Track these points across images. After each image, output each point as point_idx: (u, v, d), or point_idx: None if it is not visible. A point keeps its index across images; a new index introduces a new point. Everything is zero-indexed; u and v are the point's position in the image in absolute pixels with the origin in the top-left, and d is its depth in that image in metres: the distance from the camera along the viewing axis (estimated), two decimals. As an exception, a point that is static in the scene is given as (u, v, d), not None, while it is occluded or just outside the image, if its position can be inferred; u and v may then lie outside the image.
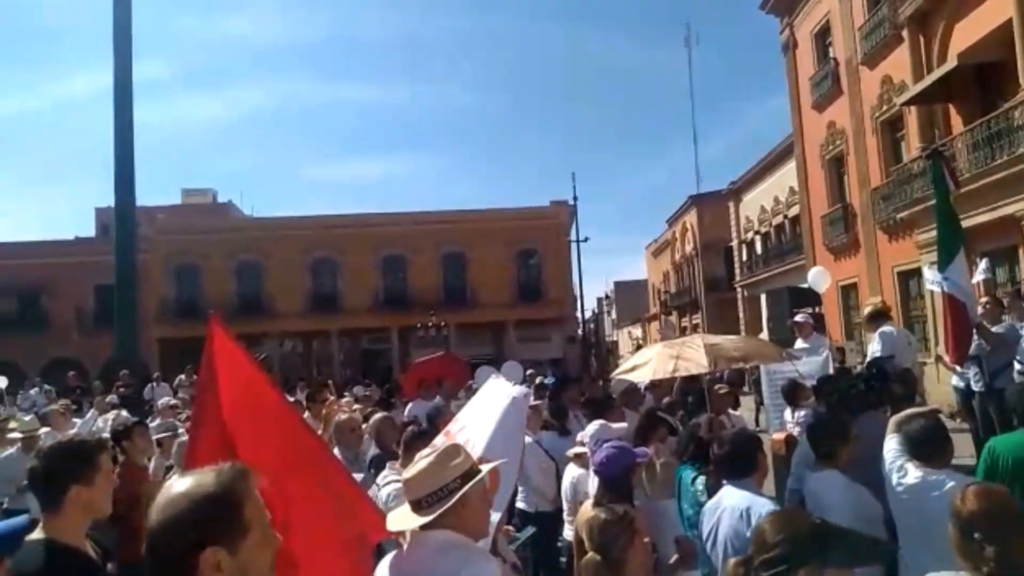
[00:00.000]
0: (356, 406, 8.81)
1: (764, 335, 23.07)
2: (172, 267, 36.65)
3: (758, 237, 33.46)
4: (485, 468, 2.29)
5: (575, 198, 36.62)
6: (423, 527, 2.22)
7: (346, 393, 12.58)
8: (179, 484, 1.47)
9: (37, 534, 2.48)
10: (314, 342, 39.97)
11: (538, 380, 13.17)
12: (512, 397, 3.15)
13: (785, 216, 29.76)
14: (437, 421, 5.61)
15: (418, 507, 2.22)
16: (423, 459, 2.32)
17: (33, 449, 6.99)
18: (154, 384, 17.14)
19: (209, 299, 36.42)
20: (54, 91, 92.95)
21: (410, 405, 10.53)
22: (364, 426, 6.14)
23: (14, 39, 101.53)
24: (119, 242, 18.63)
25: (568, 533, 5.22)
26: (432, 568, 2.10)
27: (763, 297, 30.36)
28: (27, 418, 8.14)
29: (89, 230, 43.55)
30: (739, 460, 3.66)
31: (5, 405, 15.87)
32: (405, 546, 2.32)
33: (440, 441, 3.30)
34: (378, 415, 6.36)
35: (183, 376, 17.99)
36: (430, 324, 33.42)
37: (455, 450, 2.32)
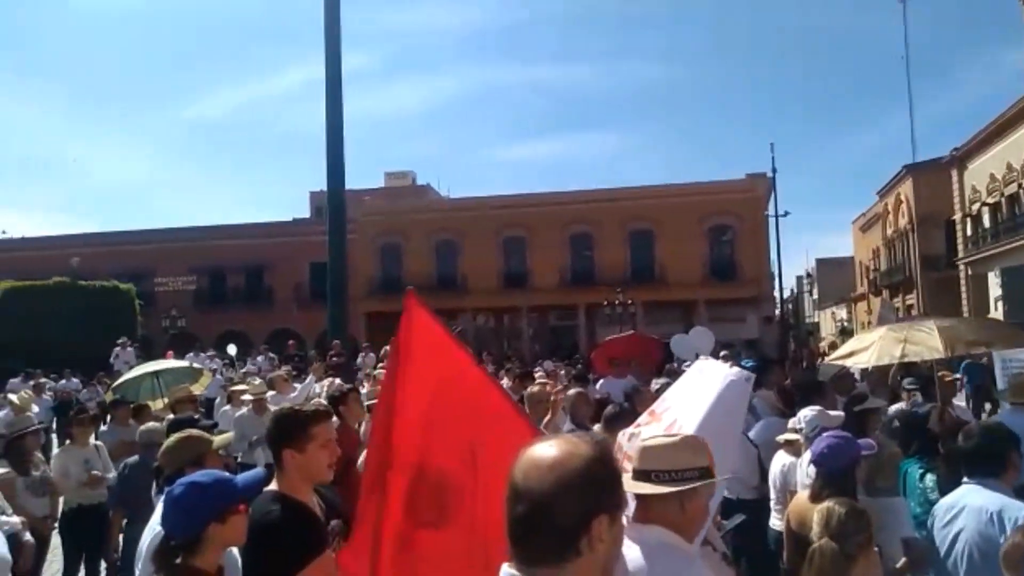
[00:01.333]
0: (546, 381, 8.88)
1: (997, 317, 20.61)
2: (377, 246, 39.14)
3: (986, 209, 29.90)
4: (719, 476, 2.18)
5: (774, 170, 34.51)
6: (638, 517, 2.11)
7: (537, 368, 12.84)
8: (561, 446, 1.40)
9: (272, 485, 2.74)
10: (505, 318, 41.16)
11: (731, 362, 12.62)
12: (729, 380, 2.86)
13: (1020, 185, 26.31)
14: (635, 400, 5.49)
15: (644, 477, 2.11)
16: (663, 438, 2.24)
17: (262, 410, 7.79)
18: (363, 354, 18.43)
19: (410, 276, 38.64)
20: (270, 85, 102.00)
21: (601, 382, 10.54)
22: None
23: (235, 37, 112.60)
24: (331, 224, 20.15)
25: (776, 523, 4.90)
26: (648, 568, 1.97)
27: (991, 275, 27.11)
28: (256, 382, 9.02)
29: (304, 212, 47.61)
30: (989, 457, 3.24)
31: (236, 369, 17.78)
32: None
33: (644, 420, 3.18)
34: (573, 390, 6.38)
35: (388, 347, 19.15)
36: (616, 302, 33.19)
37: (699, 444, 2.20)
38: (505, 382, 8.92)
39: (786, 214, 34.62)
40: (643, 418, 3.18)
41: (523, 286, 38.03)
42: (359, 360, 17.74)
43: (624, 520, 2.18)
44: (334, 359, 15.25)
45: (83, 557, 6.53)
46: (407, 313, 2.98)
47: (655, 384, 6.58)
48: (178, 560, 2.26)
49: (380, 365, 15.29)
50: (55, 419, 14.87)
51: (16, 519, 5.04)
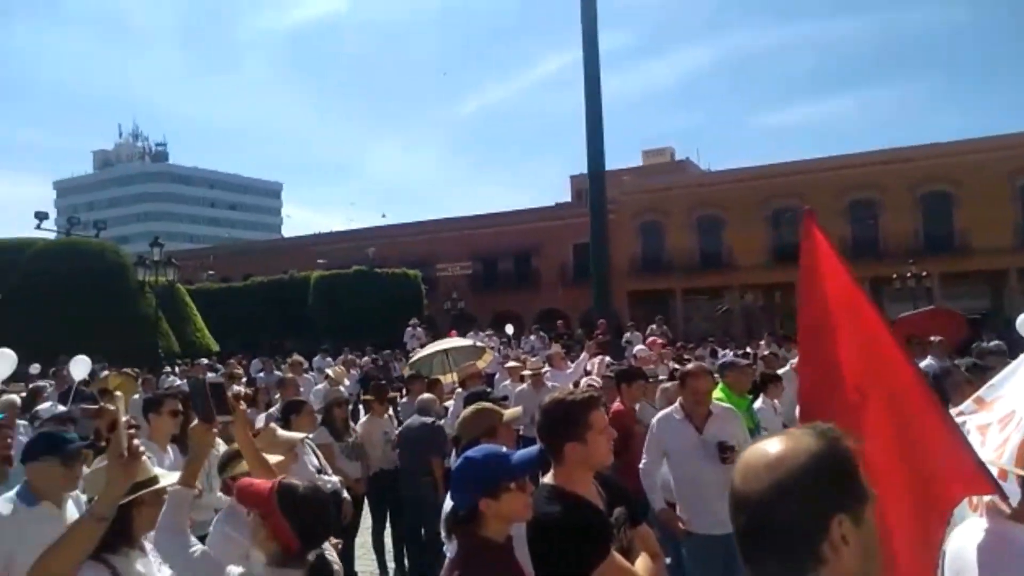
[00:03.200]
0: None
1: None
2: (638, 225, 39.03)
3: None
4: None
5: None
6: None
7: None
8: (782, 443, 1.25)
9: (547, 478, 2.71)
10: (776, 295, 38.94)
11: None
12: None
13: None
14: (945, 384, 4.84)
15: None
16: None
17: (540, 386, 8.13)
18: (628, 332, 18.51)
19: (672, 254, 38.11)
20: (530, 76, 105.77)
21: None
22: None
23: (495, 35, 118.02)
24: (593, 206, 20.47)
25: None
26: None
27: None
28: (533, 358, 9.43)
29: (566, 195, 48.92)
30: None
31: (512, 347, 18.74)
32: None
33: (968, 408, 2.75)
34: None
35: (653, 326, 19.08)
36: (908, 274, 29.85)
37: None
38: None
39: None
40: (967, 405, 2.75)
41: (796, 260, 35.47)
42: (625, 338, 17.85)
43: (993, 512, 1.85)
44: (599, 337, 15.45)
45: (387, 514, 7.28)
46: (808, 239, 2.75)
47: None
48: (467, 528, 2.32)
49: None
50: (360, 392, 16.81)
51: (335, 479, 5.73)
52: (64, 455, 3.09)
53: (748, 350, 15.35)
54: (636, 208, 38.65)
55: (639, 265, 38.12)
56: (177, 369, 18.25)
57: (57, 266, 24.91)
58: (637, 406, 6.19)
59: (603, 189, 20.42)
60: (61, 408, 7.08)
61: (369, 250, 37.22)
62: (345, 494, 5.86)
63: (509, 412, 3.63)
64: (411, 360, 11.29)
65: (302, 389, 9.71)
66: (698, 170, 48.08)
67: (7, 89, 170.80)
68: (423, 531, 6.64)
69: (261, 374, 15.05)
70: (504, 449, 2.50)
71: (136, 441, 2.17)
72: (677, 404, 4.93)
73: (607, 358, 9.11)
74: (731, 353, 13.08)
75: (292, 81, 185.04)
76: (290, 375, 10.18)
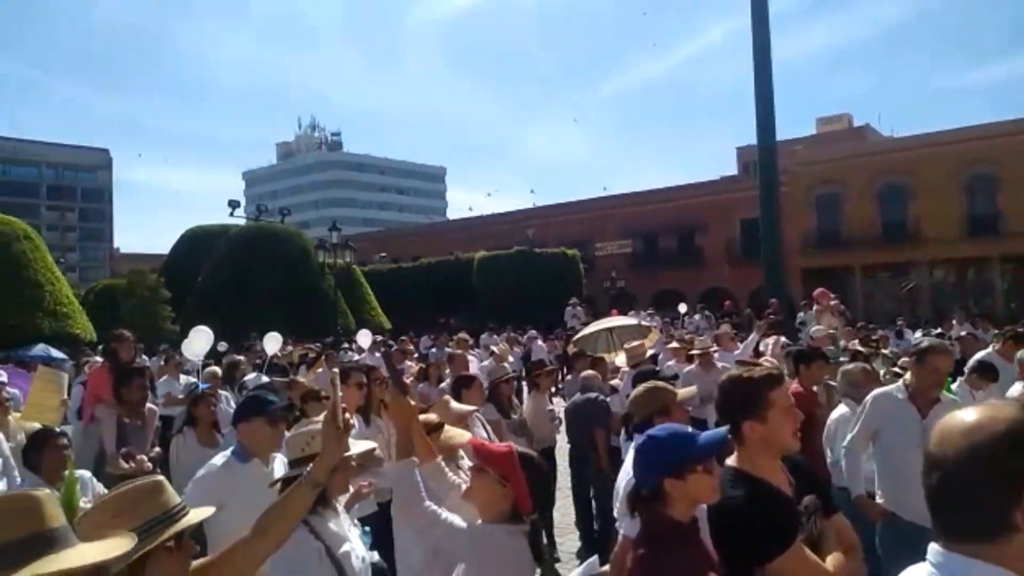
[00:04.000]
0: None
1: None
2: (812, 197, 36.82)
3: None
4: None
5: None
6: None
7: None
8: (982, 411, 1.27)
9: (730, 461, 2.58)
10: (969, 270, 35.47)
11: None
12: None
13: None
14: None
15: None
16: None
17: (709, 366, 7.88)
18: (802, 312, 17.53)
19: (851, 228, 35.65)
20: (691, 47, 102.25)
21: None
22: None
23: (653, 7, 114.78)
24: (763, 179, 19.50)
25: None
26: None
27: None
28: (701, 337, 9.15)
29: (731, 169, 47.05)
30: None
31: (676, 327, 18.34)
32: None
33: None
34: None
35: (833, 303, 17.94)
36: None
37: None
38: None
39: None
40: None
41: (994, 232, 32.17)
42: (799, 318, 16.91)
43: None
44: (771, 317, 14.72)
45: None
46: None
47: None
48: (651, 507, 2.28)
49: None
50: (522, 369, 17.12)
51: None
52: (269, 415, 3.40)
53: (940, 331, 14.08)
54: (810, 180, 36.44)
55: (813, 241, 35.99)
56: (354, 346, 19.41)
57: (249, 249, 27.24)
58: (816, 388, 5.85)
59: (774, 161, 19.41)
60: (265, 378, 7.69)
61: (529, 231, 37.70)
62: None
63: (683, 391, 3.52)
64: (575, 338, 11.31)
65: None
66: (879, 137, 44.57)
67: (199, 89, 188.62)
68: (592, 504, 6.78)
69: (432, 350, 15.65)
70: (689, 429, 2.41)
71: (347, 415, 2.27)
72: (900, 383, 4.52)
73: (782, 338, 8.64)
74: (920, 334, 12.03)
75: (452, 68, 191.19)
76: (459, 351, 10.50)
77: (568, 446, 7.40)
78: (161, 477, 2.00)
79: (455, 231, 50.06)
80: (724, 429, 2.44)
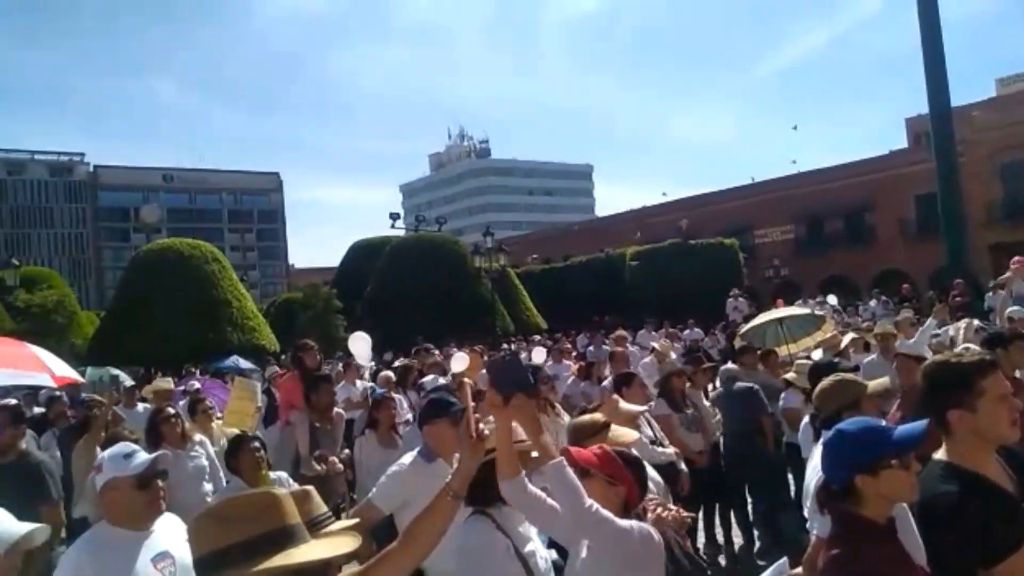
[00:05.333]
0: None
1: None
2: (996, 166, 33.46)
3: None
4: None
5: None
6: None
7: None
8: None
9: (939, 454, 2.41)
10: None
11: None
12: None
13: None
14: None
15: None
16: None
17: (890, 355, 7.33)
18: (990, 293, 15.99)
19: (1044, 196, 32.10)
20: (845, 18, 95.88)
21: None
22: None
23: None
24: (938, 148, 17.98)
25: None
26: None
27: None
28: (882, 323, 8.55)
29: (900, 142, 43.72)
30: None
31: (843, 315, 17.27)
32: None
33: None
34: None
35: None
36: None
37: None
38: None
39: None
40: None
41: None
42: (987, 300, 15.43)
43: None
44: (957, 299, 13.56)
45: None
46: None
47: None
48: (842, 506, 2.17)
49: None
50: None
51: (671, 450, 5.74)
52: (452, 416, 3.51)
53: None
54: (993, 147, 33.10)
55: (1000, 213, 32.69)
56: (513, 347, 19.80)
57: (411, 259, 28.56)
58: (1018, 373, 5.31)
59: (950, 129, 17.88)
60: (442, 380, 8.00)
61: (682, 222, 36.81)
62: (682, 465, 5.85)
63: (875, 383, 3.31)
64: (741, 331, 10.91)
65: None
66: (1075, 92, 39.81)
67: (351, 106, 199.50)
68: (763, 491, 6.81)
69: (590, 348, 15.67)
70: (883, 422, 2.28)
71: (482, 425, 2.31)
72: None
73: (975, 321, 7.90)
74: None
75: (592, 63, 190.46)
76: (619, 349, 10.44)
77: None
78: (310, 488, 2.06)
79: (606, 227, 49.81)
80: (924, 421, 2.28)
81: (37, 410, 9.76)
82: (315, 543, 1.55)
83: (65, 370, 7.64)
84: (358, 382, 10.34)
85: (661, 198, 54.10)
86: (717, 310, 23.47)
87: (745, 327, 10.88)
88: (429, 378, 8.31)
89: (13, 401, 6.68)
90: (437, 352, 12.70)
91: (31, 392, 10.33)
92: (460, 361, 9.21)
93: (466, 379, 3.74)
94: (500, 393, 2.39)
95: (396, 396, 7.91)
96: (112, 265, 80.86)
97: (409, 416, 7.60)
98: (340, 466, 5.89)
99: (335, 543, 1.60)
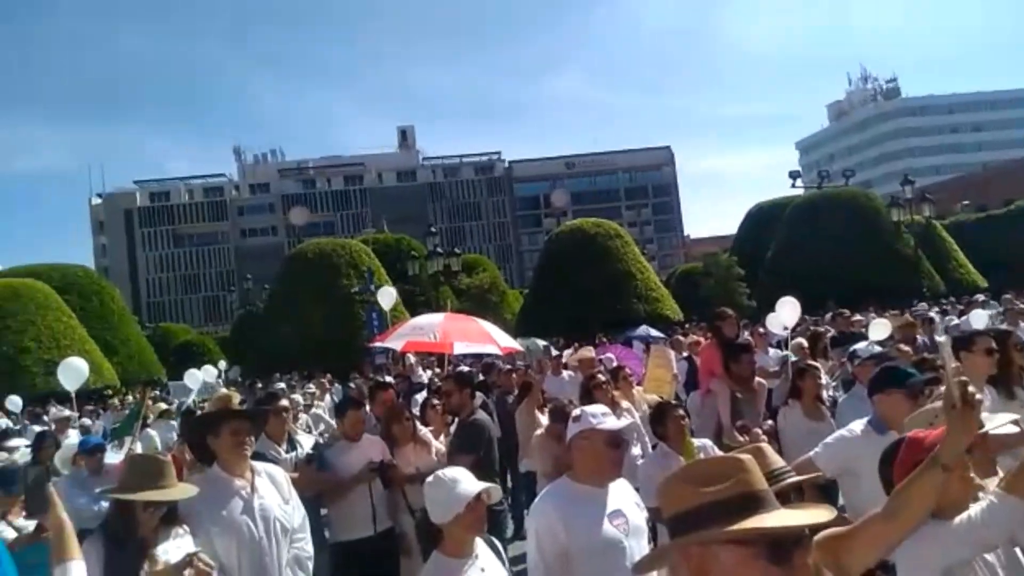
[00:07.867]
0: None
1: None
2: None
3: None
4: None
5: None
6: None
7: None
8: None
9: None
10: None
11: None
12: None
13: None
14: None
15: None
16: None
17: None
18: None
19: None
20: None
21: None
22: None
23: None
24: None
25: None
26: None
27: None
28: None
29: None
30: None
31: None
32: None
33: None
34: None
35: None
36: None
37: None
38: None
39: None
40: None
41: None
42: None
43: None
44: None
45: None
46: None
47: None
48: None
49: None
50: None
51: None
52: (909, 388, 3.31)
53: None
54: None
55: None
56: (949, 308, 17.31)
57: (814, 218, 26.85)
58: None
59: None
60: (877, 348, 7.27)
61: None
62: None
63: None
64: None
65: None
66: None
67: (737, 69, 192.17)
68: None
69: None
70: None
71: (971, 388, 1.95)
72: None
73: None
74: None
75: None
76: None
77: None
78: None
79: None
80: None
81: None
82: (789, 510, 1.51)
83: (508, 341, 8.65)
84: (770, 350, 9.97)
85: None
86: None
87: None
88: (862, 344, 7.59)
89: (464, 368, 7.76)
90: (859, 317, 11.66)
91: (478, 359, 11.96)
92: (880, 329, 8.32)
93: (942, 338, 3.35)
94: None
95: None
96: (528, 248, 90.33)
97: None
98: (764, 437, 5.68)
99: (811, 513, 1.54)
